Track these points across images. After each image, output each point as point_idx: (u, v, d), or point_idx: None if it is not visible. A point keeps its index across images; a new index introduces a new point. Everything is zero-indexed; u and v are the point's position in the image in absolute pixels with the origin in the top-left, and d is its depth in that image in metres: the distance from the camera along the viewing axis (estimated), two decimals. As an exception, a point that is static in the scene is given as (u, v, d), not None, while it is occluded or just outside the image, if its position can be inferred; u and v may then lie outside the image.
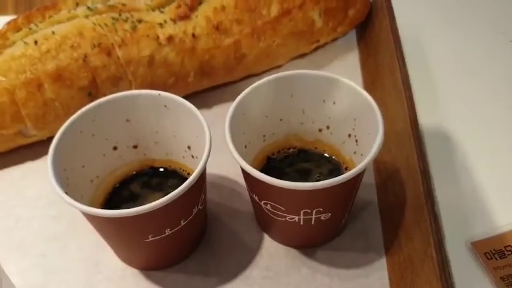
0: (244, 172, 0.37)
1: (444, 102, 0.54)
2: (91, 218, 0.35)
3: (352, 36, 0.61)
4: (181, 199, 0.34)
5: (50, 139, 0.38)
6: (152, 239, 0.35)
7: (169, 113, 0.40)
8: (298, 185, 0.33)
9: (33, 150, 0.48)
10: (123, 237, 0.36)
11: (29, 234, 0.44)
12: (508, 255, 0.41)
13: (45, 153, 0.38)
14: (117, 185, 0.42)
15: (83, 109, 0.39)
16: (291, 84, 0.41)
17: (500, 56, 0.58)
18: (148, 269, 0.40)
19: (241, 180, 0.45)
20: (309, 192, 0.34)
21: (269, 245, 0.42)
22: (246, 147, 0.42)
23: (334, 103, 0.42)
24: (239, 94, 0.40)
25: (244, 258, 0.41)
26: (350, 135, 0.42)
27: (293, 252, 0.41)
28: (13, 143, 0.48)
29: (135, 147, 0.42)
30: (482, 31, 0.62)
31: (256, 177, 0.34)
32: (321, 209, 0.36)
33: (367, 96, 0.39)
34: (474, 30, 0.62)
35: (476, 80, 0.56)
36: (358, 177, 0.36)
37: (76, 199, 0.34)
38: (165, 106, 0.40)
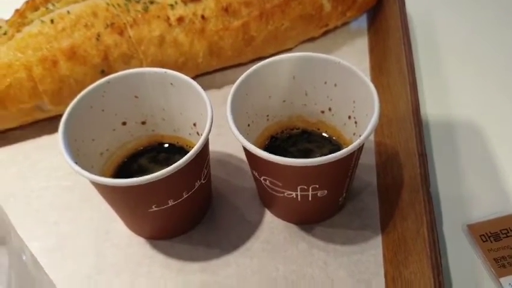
0: (244, 148, 0.38)
1: (451, 89, 0.54)
2: (98, 187, 0.37)
3: (363, 21, 0.62)
4: (182, 172, 0.36)
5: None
6: (156, 209, 0.37)
7: (175, 91, 0.42)
8: (292, 161, 0.35)
9: (50, 124, 0.51)
10: (128, 207, 0.38)
11: (44, 203, 0.46)
12: (503, 238, 0.42)
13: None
14: (126, 159, 0.44)
15: (93, 85, 0.41)
16: (293, 66, 0.42)
17: (510, 44, 0.58)
18: (153, 238, 0.42)
19: (246, 158, 0.47)
20: (302, 168, 0.35)
21: (270, 220, 0.43)
22: (249, 125, 0.43)
23: (335, 85, 0.43)
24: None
25: (245, 231, 0.43)
26: (350, 117, 0.43)
27: (292, 227, 0.43)
28: (31, 117, 0.51)
29: (143, 123, 0.44)
30: (493, 18, 0.61)
31: (253, 152, 0.36)
32: (317, 186, 0.38)
33: (365, 78, 0.40)
34: (485, 17, 0.62)
35: (484, 67, 0.56)
36: (351, 156, 0.37)
37: (86, 170, 0.36)
38: (171, 84, 0.42)
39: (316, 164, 0.34)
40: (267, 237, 0.42)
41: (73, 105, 0.39)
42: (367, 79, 0.40)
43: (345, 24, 0.60)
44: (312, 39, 0.59)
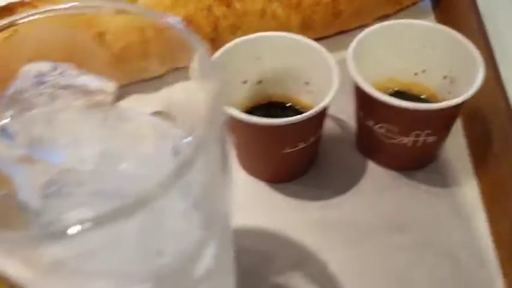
0: (362, 98, 0.44)
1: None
2: (241, 127, 0.42)
3: (427, 1, 0.68)
4: (315, 118, 0.41)
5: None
6: (288, 150, 0.43)
7: (294, 52, 0.47)
8: (418, 105, 0.40)
9: (150, 84, 0.56)
10: (265, 147, 0.44)
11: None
12: None
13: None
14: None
15: (225, 47, 0.46)
16: (395, 31, 0.48)
17: None
18: (272, 181, 0.47)
19: (340, 115, 0.52)
20: (426, 112, 0.41)
21: (372, 168, 0.49)
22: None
23: (433, 48, 0.48)
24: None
25: (351, 177, 0.48)
26: (445, 77, 0.49)
27: (394, 173, 0.48)
28: (136, 76, 0.55)
29: (259, 82, 0.50)
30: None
31: (379, 98, 0.41)
32: (430, 131, 0.43)
33: (466, 42, 0.45)
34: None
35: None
36: (462, 104, 0.42)
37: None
38: (291, 46, 0.47)
39: (440, 108, 0.40)
40: (373, 181, 0.48)
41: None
42: (468, 42, 0.45)
43: (414, 3, 0.66)
44: (385, 16, 0.65)
